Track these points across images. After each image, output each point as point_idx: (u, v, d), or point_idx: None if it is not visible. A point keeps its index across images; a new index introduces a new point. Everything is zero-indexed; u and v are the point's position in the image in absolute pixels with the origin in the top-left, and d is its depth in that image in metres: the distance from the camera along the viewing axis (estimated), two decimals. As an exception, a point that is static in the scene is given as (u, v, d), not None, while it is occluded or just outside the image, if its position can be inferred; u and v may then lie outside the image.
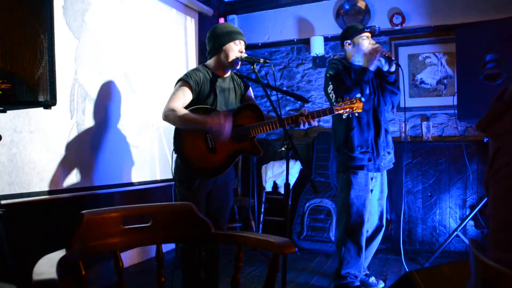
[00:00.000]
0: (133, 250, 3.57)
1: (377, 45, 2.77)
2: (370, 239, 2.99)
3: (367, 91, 2.79)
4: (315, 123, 2.40)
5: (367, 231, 2.96)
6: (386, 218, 4.17)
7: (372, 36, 2.86)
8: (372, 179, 2.88)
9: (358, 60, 2.83)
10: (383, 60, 2.74)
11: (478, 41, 3.36)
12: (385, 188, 2.99)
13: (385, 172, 2.98)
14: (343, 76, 2.76)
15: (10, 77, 1.67)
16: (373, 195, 2.94)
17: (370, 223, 2.97)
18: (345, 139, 2.81)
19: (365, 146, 2.79)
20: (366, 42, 2.79)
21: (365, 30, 2.79)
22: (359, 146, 2.78)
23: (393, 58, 2.75)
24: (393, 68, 2.79)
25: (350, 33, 2.83)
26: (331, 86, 2.75)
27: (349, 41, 2.83)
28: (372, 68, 2.68)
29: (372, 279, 3.00)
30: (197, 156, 2.29)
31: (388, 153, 2.92)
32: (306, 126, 2.38)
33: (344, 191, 2.84)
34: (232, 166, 2.42)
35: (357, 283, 2.83)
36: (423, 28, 4.22)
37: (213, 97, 2.37)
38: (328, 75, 2.80)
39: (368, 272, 3.05)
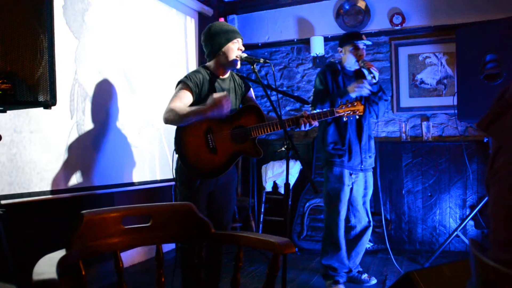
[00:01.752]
0: (133, 250, 3.57)
1: (366, 64, 2.89)
2: (358, 236, 3.09)
3: (354, 96, 2.92)
4: (316, 123, 2.41)
5: (356, 228, 3.09)
6: (386, 218, 4.20)
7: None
8: (351, 174, 3.00)
9: (350, 66, 3.02)
10: (366, 71, 2.87)
11: (478, 41, 3.36)
12: (369, 186, 3.09)
13: (370, 173, 3.09)
14: (331, 82, 2.98)
15: (10, 77, 1.66)
16: (357, 192, 3.05)
17: (357, 219, 3.09)
18: (323, 135, 3.02)
19: (339, 144, 2.95)
20: (352, 56, 2.97)
21: (354, 42, 2.95)
22: (332, 142, 2.96)
23: (372, 70, 2.84)
24: (374, 80, 2.89)
25: (342, 41, 3.04)
26: (314, 89, 3.07)
27: (340, 49, 3.05)
28: (353, 95, 2.82)
29: (365, 276, 3.10)
30: (198, 156, 2.29)
31: (370, 157, 3.07)
32: (307, 127, 2.39)
33: (324, 185, 3.06)
34: (234, 167, 2.43)
35: (338, 277, 2.96)
36: (423, 28, 4.23)
37: (213, 97, 2.36)
38: (316, 78, 3.06)
39: (360, 269, 3.16)
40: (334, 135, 2.97)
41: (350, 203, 3.07)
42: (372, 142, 3.08)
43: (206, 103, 2.19)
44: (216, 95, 2.17)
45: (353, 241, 3.09)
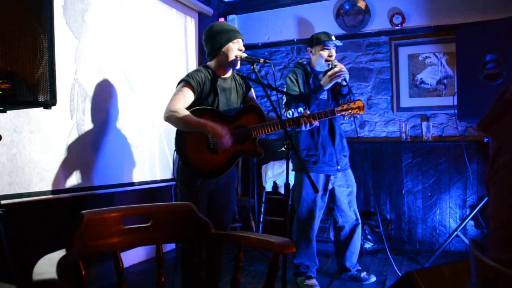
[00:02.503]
0: (133, 250, 3.57)
1: (337, 66, 2.85)
2: (349, 236, 3.12)
3: (325, 97, 2.99)
4: (316, 123, 2.42)
5: (344, 228, 3.12)
6: (386, 218, 4.20)
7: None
8: (330, 176, 3.03)
9: (320, 68, 3.01)
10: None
11: (478, 41, 3.36)
12: (351, 184, 3.11)
13: (348, 171, 3.12)
14: (302, 83, 2.97)
15: (10, 77, 1.66)
16: (339, 192, 3.08)
17: (344, 219, 3.12)
18: (295, 141, 3.03)
19: (313, 149, 2.98)
20: (321, 58, 2.96)
21: (324, 42, 2.93)
22: (305, 149, 2.99)
23: (340, 73, 2.80)
24: (344, 83, 2.90)
25: (312, 41, 3.01)
26: (285, 89, 3.02)
27: (310, 49, 3.03)
28: (326, 88, 2.85)
29: (364, 274, 3.12)
30: (198, 156, 2.29)
31: (344, 156, 3.10)
32: (308, 127, 2.39)
33: (297, 189, 3.09)
34: (234, 167, 2.42)
35: (310, 273, 3.05)
36: (423, 28, 4.22)
37: (215, 96, 2.37)
38: (287, 78, 3.01)
39: (359, 268, 3.18)
40: (306, 140, 2.99)
41: (335, 204, 3.10)
42: (345, 141, 3.11)
43: (212, 123, 2.18)
44: (224, 130, 2.18)
45: (345, 242, 3.12)
